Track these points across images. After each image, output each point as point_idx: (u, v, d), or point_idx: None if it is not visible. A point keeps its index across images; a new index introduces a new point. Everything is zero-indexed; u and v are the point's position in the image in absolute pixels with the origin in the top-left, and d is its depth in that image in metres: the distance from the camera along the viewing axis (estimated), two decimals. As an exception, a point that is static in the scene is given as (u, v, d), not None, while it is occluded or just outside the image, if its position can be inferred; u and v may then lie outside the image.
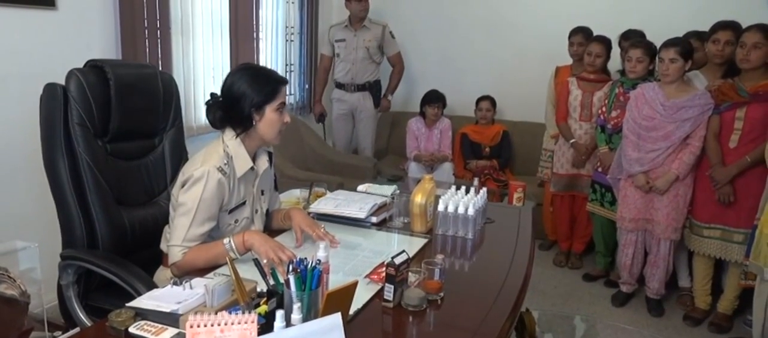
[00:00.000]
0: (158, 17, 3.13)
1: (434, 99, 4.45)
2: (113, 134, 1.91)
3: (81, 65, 1.89)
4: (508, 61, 4.74)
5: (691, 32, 3.32)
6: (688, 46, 2.93)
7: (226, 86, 1.77)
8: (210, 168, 1.69)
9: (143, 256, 1.89)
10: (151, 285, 1.61)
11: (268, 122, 1.77)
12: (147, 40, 3.08)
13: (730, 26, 2.99)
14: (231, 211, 1.79)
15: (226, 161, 1.73)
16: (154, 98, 2.04)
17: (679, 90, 2.92)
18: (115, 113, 1.88)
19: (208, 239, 1.74)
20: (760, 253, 2.39)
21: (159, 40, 3.16)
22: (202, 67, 3.59)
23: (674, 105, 2.89)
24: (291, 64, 4.61)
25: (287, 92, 1.86)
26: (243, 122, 1.76)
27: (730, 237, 2.88)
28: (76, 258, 1.80)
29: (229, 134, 1.78)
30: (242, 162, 1.78)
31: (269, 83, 1.76)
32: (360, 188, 2.52)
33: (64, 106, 1.79)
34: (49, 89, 1.80)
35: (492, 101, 4.48)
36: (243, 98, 1.74)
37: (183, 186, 1.72)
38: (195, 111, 3.56)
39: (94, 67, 1.90)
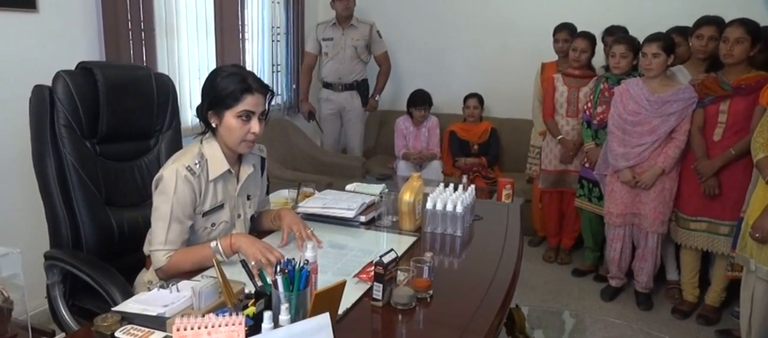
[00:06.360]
0: (142, 18, 3.09)
1: (420, 101, 4.46)
2: (102, 135, 1.90)
3: (64, 68, 1.87)
4: (494, 59, 4.76)
5: (674, 27, 3.34)
6: (669, 40, 2.95)
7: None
8: (178, 167, 1.65)
9: (134, 258, 1.87)
10: (127, 292, 1.58)
11: (227, 127, 1.68)
12: (131, 42, 3.05)
13: (714, 22, 3.01)
14: (205, 214, 1.74)
15: (197, 161, 1.68)
16: (147, 100, 2.04)
17: (663, 85, 2.94)
18: (103, 114, 1.88)
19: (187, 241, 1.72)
20: (746, 245, 2.41)
21: (143, 41, 3.12)
22: (187, 68, 3.56)
23: (659, 100, 2.90)
24: (278, 65, 4.58)
25: (266, 103, 1.71)
26: (207, 123, 1.73)
27: (716, 230, 2.91)
28: (58, 259, 1.79)
29: (207, 136, 1.76)
30: (217, 164, 1.73)
31: (233, 88, 1.65)
32: (348, 187, 2.52)
33: (50, 107, 1.79)
34: (37, 90, 1.81)
35: (479, 99, 4.49)
36: (205, 98, 1.71)
37: (156, 189, 1.69)
38: (181, 112, 3.51)
39: (83, 68, 1.90)
